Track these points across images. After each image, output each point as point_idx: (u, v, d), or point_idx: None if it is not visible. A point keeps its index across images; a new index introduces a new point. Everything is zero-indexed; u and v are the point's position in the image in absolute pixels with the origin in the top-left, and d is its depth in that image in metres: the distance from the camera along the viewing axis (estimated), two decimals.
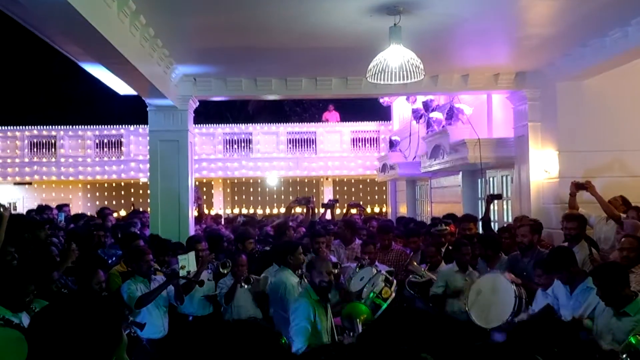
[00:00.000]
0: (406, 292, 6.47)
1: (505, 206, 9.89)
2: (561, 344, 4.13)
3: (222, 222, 12.27)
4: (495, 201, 9.00)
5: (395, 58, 5.59)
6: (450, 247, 6.82)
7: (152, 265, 5.82)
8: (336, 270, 5.57)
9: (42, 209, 9.72)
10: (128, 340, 1.87)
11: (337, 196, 20.28)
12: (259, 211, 20.50)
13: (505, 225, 8.63)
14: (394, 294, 5.56)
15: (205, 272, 6.30)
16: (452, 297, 6.12)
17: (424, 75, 5.78)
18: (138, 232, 8.01)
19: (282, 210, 11.00)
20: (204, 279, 6.32)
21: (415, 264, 6.72)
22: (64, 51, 6.20)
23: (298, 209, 11.50)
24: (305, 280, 5.44)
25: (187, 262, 5.76)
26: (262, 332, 1.59)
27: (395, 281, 5.85)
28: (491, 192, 9.81)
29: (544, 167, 8.37)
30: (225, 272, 6.18)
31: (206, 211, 16.24)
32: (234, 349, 1.48)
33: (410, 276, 6.53)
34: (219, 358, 1.46)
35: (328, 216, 10.53)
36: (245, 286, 6.11)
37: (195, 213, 9.57)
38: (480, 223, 8.26)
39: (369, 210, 18.92)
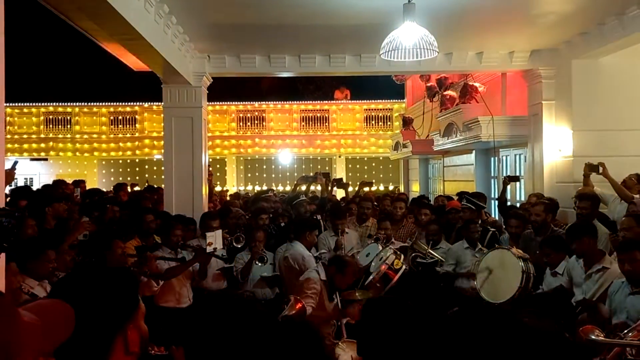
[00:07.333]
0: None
1: (518, 185, 9.87)
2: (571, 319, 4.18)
3: (227, 199, 12.27)
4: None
5: (409, 35, 5.54)
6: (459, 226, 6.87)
7: (180, 240, 5.96)
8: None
9: (56, 184, 9.62)
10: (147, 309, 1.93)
11: (350, 174, 20.31)
12: (272, 188, 20.52)
13: (518, 204, 8.63)
14: (405, 266, 5.61)
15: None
16: (464, 276, 6.19)
17: (437, 53, 5.75)
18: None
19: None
20: (218, 254, 6.42)
21: (420, 243, 6.77)
22: (80, 27, 6.23)
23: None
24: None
25: (215, 239, 5.88)
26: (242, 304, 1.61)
27: (403, 255, 5.90)
28: (508, 173, 9.78)
29: (557, 146, 8.32)
30: (239, 246, 6.27)
31: (219, 188, 16.35)
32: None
33: (414, 254, 6.59)
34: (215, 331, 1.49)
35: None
36: (259, 264, 6.20)
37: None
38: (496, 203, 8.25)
39: (382, 188, 18.96)
